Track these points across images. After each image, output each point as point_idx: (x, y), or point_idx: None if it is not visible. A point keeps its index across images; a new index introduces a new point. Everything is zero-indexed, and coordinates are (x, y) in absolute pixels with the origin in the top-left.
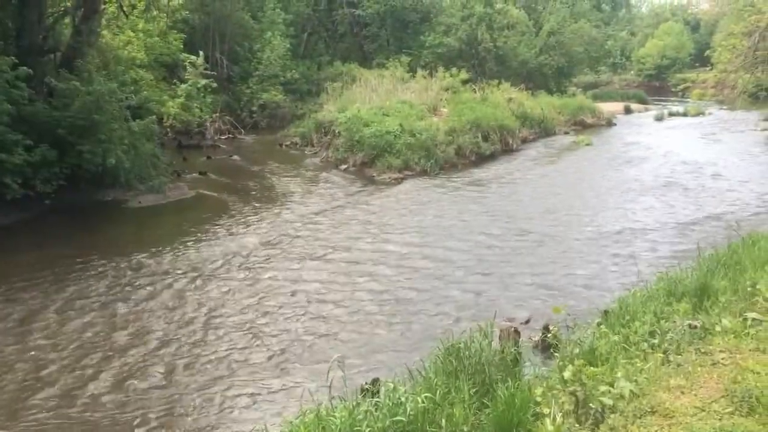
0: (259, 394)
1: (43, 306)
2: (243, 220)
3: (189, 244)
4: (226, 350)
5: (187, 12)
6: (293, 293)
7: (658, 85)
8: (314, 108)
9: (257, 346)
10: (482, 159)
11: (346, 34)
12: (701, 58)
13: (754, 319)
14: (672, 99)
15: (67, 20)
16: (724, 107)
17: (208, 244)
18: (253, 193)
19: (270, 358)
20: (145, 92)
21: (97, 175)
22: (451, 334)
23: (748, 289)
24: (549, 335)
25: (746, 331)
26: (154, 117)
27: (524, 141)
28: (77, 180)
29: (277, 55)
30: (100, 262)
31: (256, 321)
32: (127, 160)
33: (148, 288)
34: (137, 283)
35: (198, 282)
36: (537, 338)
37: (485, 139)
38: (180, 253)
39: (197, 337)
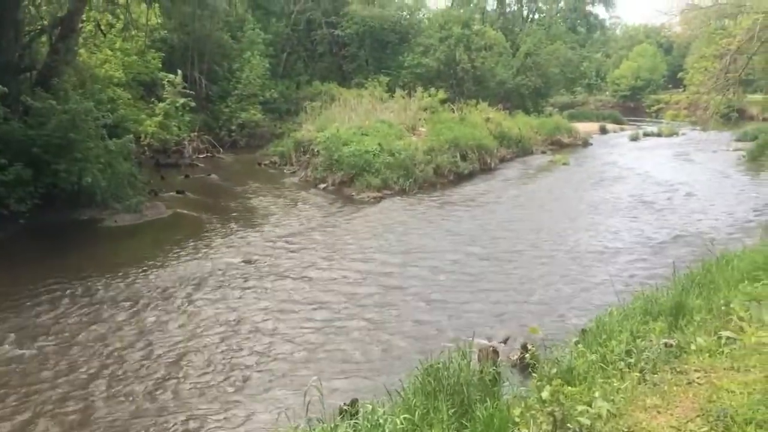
0: (236, 420)
1: (6, 329)
2: (219, 240)
3: (163, 265)
4: (200, 375)
5: (166, 31)
6: (268, 315)
7: (632, 106)
8: (293, 127)
9: (232, 369)
10: (461, 178)
11: (325, 54)
12: (674, 80)
13: (728, 338)
14: (646, 119)
15: (43, 38)
16: (697, 128)
17: (182, 265)
18: (231, 212)
19: (246, 380)
20: (122, 111)
21: (73, 194)
22: (429, 354)
23: (722, 307)
24: (527, 355)
25: (721, 349)
26: (131, 136)
27: (502, 160)
28: (53, 199)
29: (256, 75)
30: (72, 283)
31: (231, 345)
32: (104, 178)
33: (118, 311)
34: (107, 306)
35: (170, 304)
36: (515, 357)
37: (463, 158)
38: (154, 275)
39: (169, 362)
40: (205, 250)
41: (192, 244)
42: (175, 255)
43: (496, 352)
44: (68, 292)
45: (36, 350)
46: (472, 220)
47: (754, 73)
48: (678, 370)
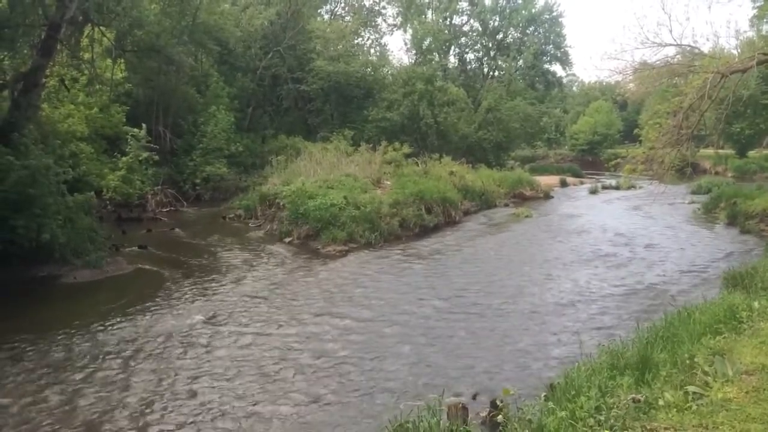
0: None
1: None
2: (182, 296)
3: (121, 324)
4: None
5: (131, 85)
6: (231, 372)
7: (590, 160)
8: (258, 181)
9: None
10: (426, 231)
11: (291, 109)
12: (630, 135)
13: (694, 393)
14: (605, 173)
15: (5, 93)
16: (654, 181)
17: (143, 324)
18: (195, 268)
19: None
20: (83, 167)
21: (30, 251)
22: (399, 413)
23: (687, 361)
24: (499, 416)
25: (688, 405)
26: (92, 193)
27: (466, 213)
28: (9, 256)
29: (222, 129)
30: (24, 344)
31: (191, 404)
32: (63, 234)
33: (74, 374)
34: (61, 370)
35: (130, 365)
36: (485, 415)
37: (428, 211)
38: (112, 334)
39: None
40: (166, 309)
41: (153, 301)
42: (135, 314)
43: (465, 409)
44: (20, 351)
45: None
46: (438, 274)
47: (705, 129)
48: (648, 427)
